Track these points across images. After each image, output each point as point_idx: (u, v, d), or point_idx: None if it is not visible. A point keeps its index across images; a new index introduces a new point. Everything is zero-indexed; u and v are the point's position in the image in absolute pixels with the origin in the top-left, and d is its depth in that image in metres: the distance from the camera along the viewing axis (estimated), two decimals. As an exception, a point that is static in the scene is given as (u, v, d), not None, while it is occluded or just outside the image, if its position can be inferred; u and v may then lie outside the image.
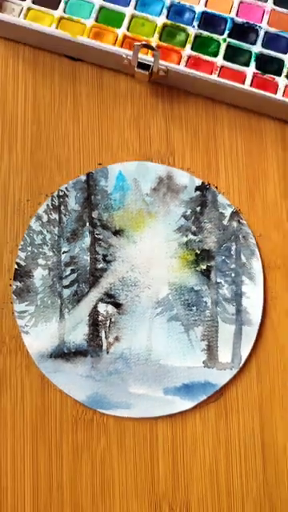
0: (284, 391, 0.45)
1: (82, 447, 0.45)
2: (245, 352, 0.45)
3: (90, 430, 0.45)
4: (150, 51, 0.48)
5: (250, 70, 0.49)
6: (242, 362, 0.45)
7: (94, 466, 0.45)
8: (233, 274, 0.47)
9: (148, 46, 0.46)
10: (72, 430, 0.45)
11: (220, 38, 0.50)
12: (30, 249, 0.47)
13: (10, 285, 0.47)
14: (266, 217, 0.48)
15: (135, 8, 0.50)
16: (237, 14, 0.51)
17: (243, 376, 0.45)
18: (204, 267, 0.47)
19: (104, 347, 0.46)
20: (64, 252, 0.47)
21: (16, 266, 0.47)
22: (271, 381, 0.45)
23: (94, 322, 0.46)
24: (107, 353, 0.45)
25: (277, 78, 0.49)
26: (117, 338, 0.46)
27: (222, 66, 0.49)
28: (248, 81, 0.49)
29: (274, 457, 0.45)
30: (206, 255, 0.47)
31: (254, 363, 0.46)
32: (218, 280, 0.47)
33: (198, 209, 0.48)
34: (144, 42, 0.46)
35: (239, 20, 0.50)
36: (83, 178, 0.48)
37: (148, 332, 0.46)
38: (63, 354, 0.45)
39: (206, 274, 0.47)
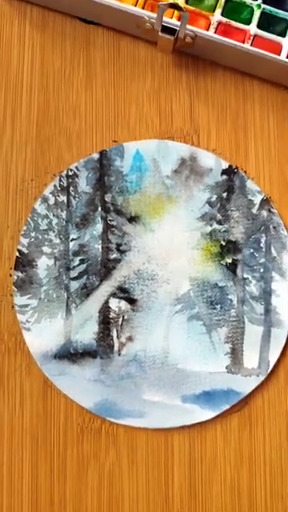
0: (316, 402, 0.41)
1: (88, 460, 0.40)
2: (273, 357, 0.41)
3: (98, 440, 0.40)
4: (175, 14, 0.43)
5: (287, 40, 0.44)
6: (270, 367, 0.41)
7: (102, 481, 0.40)
8: (262, 270, 0.42)
9: (175, 6, 0.40)
10: (77, 441, 0.40)
11: (253, 3, 0.44)
12: (33, 235, 0.42)
13: (11, 275, 0.42)
14: (299, 206, 0.43)
15: None
16: (272, -22, 0.45)
17: (271, 384, 0.41)
18: (229, 261, 0.42)
19: (115, 348, 0.41)
20: (72, 239, 0.42)
21: (17, 254, 0.42)
22: (302, 390, 0.40)
23: (105, 320, 0.41)
24: (119, 354, 0.41)
25: None
26: (130, 338, 0.41)
27: (255, 35, 0.44)
28: (284, 53, 0.43)
29: (303, 475, 0.40)
30: (232, 247, 0.42)
31: (282, 369, 0.41)
32: (245, 275, 0.42)
33: (225, 195, 0.43)
34: (171, 1, 0.40)
35: (275, -16, 0.45)
36: (96, 156, 0.43)
37: (165, 332, 0.41)
38: (69, 354, 0.41)
39: (232, 268, 0.42)
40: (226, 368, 0.41)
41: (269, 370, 0.41)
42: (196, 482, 0.40)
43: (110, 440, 0.40)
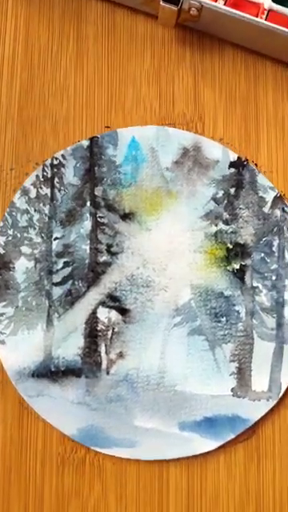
0: None
1: (69, 495, 0.35)
2: (286, 378, 0.36)
3: (81, 473, 0.35)
4: (179, -18, 0.37)
5: (306, 16, 0.38)
6: (282, 391, 0.36)
7: (85, 521, 0.34)
8: (273, 277, 0.37)
9: (179, -29, 0.35)
10: (57, 473, 0.35)
11: (268, -26, 0.39)
12: (11, 232, 0.37)
13: (-16, 278, 0.36)
14: None
15: None
16: None
17: (282, 409, 0.36)
18: (237, 266, 0.37)
19: (103, 366, 0.36)
20: (56, 238, 0.37)
21: (-8, 254, 0.36)
22: None
23: (92, 333, 0.36)
24: (107, 373, 0.36)
25: None
26: (121, 355, 0.36)
27: (269, 10, 0.38)
28: (303, 29, 0.38)
29: None
30: (240, 251, 0.37)
31: (296, 393, 0.36)
32: (255, 284, 0.37)
33: (233, 191, 0.38)
34: None
35: None
36: (85, 143, 0.38)
37: (162, 348, 0.36)
38: (49, 372, 0.36)
39: (240, 275, 0.37)
40: (232, 391, 0.36)
41: (281, 394, 0.36)
42: (194, 523, 0.35)
43: (96, 473, 0.35)
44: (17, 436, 0.35)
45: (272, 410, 0.36)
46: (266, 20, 0.38)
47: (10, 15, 0.40)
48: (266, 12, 0.39)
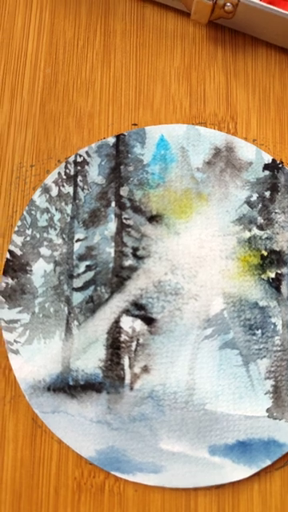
0: None
1: None
2: None
3: (100, 501, 0.31)
4: (214, -23, 0.36)
5: None
6: None
7: None
8: (312, 288, 0.34)
9: None
10: (72, 500, 0.31)
11: (304, -27, 0.37)
12: (29, 232, 0.34)
13: (-2, 281, 0.33)
14: None
15: None
16: None
17: None
18: (272, 275, 0.34)
19: (127, 381, 0.32)
20: (78, 240, 0.33)
21: (8, 256, 0.33)
22: None
23: (115, 343, 0.33)
24: (131, 389, 0.32)
25: None
26: (146, 369, 0.32)
27: (305, 9, 0.37)
28: None
29: None
30: (275, 258, 0.34)
31: None
32: (292, 294, 0.33)
33: (268, 194, 0.35)
34: None
35: None
36: (111, 140, 0.35)
37: (191, 362, 0.33)
38: (67, 386, 0.32)
39: (276, 284, 0.34)
40: (267, 411, 0.32)
41: None
42: None
43: (116, 501, 0.31)
44: (28, 457, 0.32)
45: (311, 434, 0.32)
46: (302, 19, 0.37)
47: (35, 8, 0.38)
48: (302, 11, 0.37)
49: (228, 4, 0.36)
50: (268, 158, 0.36)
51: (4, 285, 0.33)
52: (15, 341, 0.33)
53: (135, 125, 0.36)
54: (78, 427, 0.32)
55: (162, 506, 0.31)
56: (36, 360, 0.32)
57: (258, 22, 0.37)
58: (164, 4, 0.38)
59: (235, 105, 0.37)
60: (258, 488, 0.32)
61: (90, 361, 0.33)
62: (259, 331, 0.33)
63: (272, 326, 0.33)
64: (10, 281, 0.33)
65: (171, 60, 0.38)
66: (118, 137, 0.36)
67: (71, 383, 0.32)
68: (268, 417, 0.32)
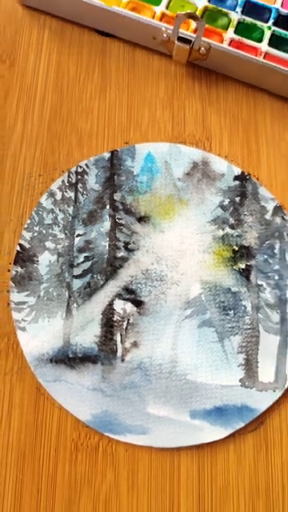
0: None
1: (81, 482, 0.35)
2: None
3: (94, 459, 0.35)
4: (191, 28, 0.44)
5: (297, 58, 0.45)
6: None
7: (96, 507, 0.34)
8: (276, 277, 0.40)
9: (193, 16, 0.41)
10: (70, 459, 0.35)
11: (264, 25, 0.46)
12: (37, 229, 0.39)
13: (9, 270, 0.39)
14: (314, 214, 0.42)
15: (175, -12, 0.46)
16: (282, 6, 0.47)
17: None
18: (243, 266, 0.40)
19: (119, 354, 0.37)
20: (78, 235, 0.39)
21: (18, 248, 0.39)
22: None
23: (108, 322, 0.38)
24: (122, 361, 0.37)
25: None
26: (135, 344, 0.37)
27: (266, 53, 0.45)
28: (295, 69, 0.44)
29: None
30: (245, 252, 0.40)
31: (301, 385, 0.37)
32: (259, 282, 0.39)
33: (238, 199, 0.42)
34: (189, 11, 0.41)
35: (284, 11, 0.47)
36: (107, 155, 0.42)
37: (174, 339, 0.38)
38: (67, 358, 0.37)
39: (245, 274, 0.40)
40: (240, 381, 0.37)
41: (286, 385, 0.37)
42: (205, 510, 0.35)
43: (108, 460, 0.35)
44: (32, 421, 0.36)
45: (278, 401, 0.37)
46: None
47: (45, 49, 0.46)
48: (263, 54, 0.45)
49: (202, 48, 0.44)
50: (237, 171, 0.43)
51: (14, 272, 0.39)
52: (23, 319, 0.38)
53: (127, 143, 0.43)
54: (76, 394, 0.36)
55: (149, 464, 0.36)
56: (40, 336, 0.37)
57: (228, 62, 0.45)
58: (151, 48, 0.46)
59: (210, 127, 0.44)
60: (233, 448, 0.36)
61: (87, 337, 0.38)
62: (232, 312, 0.39)
63: (243, 308, 0.39)
64: (19, 269, 0.39)
65: (157, 91, 0.45)
66: (112, 152, 0.43)
67: (71, 356, 0.37)
68: (241, 386, 0.37)
